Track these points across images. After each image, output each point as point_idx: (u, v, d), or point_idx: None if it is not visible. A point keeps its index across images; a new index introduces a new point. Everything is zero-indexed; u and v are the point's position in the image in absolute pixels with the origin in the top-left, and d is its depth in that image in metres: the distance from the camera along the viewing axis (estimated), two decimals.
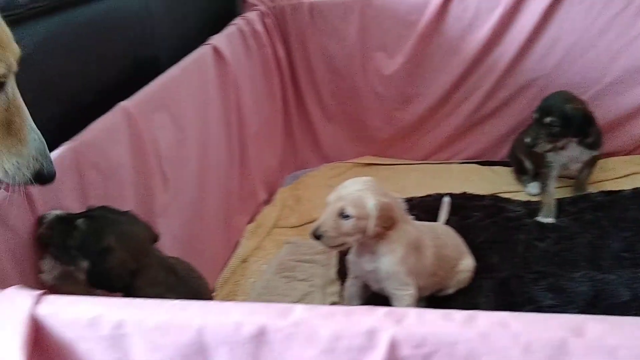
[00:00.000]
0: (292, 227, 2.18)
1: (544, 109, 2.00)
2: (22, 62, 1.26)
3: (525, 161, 2.27)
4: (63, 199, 1.19)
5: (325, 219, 1.43)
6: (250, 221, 2.16)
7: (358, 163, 2.53)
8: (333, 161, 2.54)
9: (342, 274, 1.81)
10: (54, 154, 1.20)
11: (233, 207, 2.02)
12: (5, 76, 0.93)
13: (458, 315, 0.71)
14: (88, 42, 1.47)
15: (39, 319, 0.77)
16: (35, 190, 1.11)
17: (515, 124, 2.41)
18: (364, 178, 1.48)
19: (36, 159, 0.99)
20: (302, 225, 2.19)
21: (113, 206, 1.29)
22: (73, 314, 0.77)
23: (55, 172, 1.04)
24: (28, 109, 1.27)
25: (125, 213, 1.22)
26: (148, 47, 1.76)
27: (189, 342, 0.74)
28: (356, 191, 1.43)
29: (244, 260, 1.99)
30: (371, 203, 1.41)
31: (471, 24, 2.28)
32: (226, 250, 1.97)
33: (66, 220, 1.13)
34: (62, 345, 0.78)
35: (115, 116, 1.39)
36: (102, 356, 0.78)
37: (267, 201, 2.29)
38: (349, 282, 1.64)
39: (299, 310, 0.72)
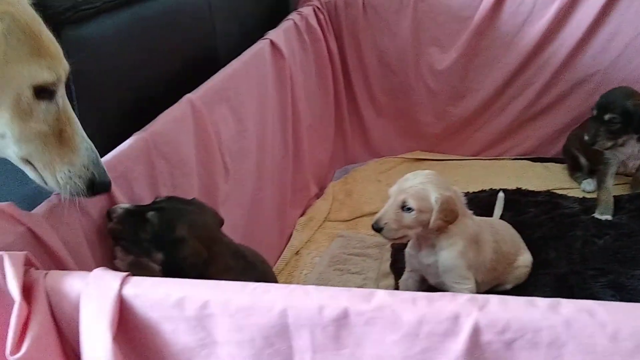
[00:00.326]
0: (343, 221, 2.20)
1: (604, 105, 1.96)
2: (100, 53, 1.32)
3: (580, 157, 2.24)
4: (136, 188, 1.22)
5: (387, 211, 1.43)
6: (302, 214, 2.18)
7: (408, 158, 2.52)
8: (382, 156, 2.55)
9: (396, 267, 1.82)
10: (126, 143, 1.24)
11: (287, 199, 2.04)
12: (54, 85, 0.95)
13: (542, 302, 0.71)
14: (155, 36, 1.51)
15: (125, 299, 0.81)
16: (111, 178, 1.15)
17: (569, 120, 2.37)
18: (426, 171, 1.48)
19: (88, 168, 1.00)
20: (353, 219, 2.21)
21: (180, 196, 1.33)
22: (159, 295, 0.79)
23: (109, 182, 1.05)
24: (101, 99, 1.33)
25: (192, 201, 1.23)
26: (209, 41, 1.79)
27: (272, 324, 0.76)
28: (419, 184, 1.43)
29: (297, 253, 2.02)
30: (433, 196, 1.41)
31: (527, 18, 2.26)
32: (280, 241, 2.00)
33: (136, 214, 1.13)
34: (147, 325, 0.81)
35: (182, 108, 1.42)
36: (186, 336, 0.80)
37: (318, 195, 2.31)
38: (406, 275, 1.64)
39: (382, 295, 0.74)
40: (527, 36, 2.28)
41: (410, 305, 0.72)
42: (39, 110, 0.94)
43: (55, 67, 0.95)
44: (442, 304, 0.72)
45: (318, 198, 2.29)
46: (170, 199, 1.20)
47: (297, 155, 2.11)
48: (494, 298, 0.73)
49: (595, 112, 1.98)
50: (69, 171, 0.98)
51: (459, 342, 0.72)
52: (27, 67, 0.91)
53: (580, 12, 2.22)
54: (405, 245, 1.78)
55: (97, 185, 1.02)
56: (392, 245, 1.91)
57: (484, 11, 2.28)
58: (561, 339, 0.70)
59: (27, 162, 0.98)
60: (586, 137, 1.98)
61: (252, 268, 1.20)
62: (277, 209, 1.96)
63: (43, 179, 0.99)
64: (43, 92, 0.94)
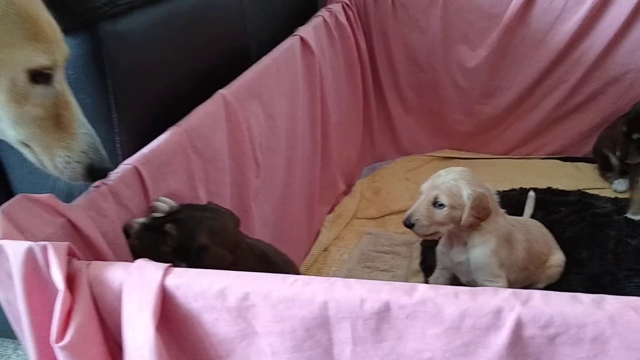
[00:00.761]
0: (371, 219, 2.20)
1: (632, 122, 1.99)
2: (135, 48, 1.33)
3: (611, 157, 2.22)
4: (172, 181, 1.23)
5: (418, 207, 1.43)
6: (330, 211, 2.19)
7: (436, 156, 2.51)
8: (411, 154, 2.54)
9: (426, 265, 1.82)
10: (163, 137, 1.25)
11: (315, 196, 2.05)
12: (50, 68, 0.96)
13: (586, 297, 0.71)
14: (187, 32, 1.52)
15: (167, 289, 0.81)
16: (146, 173, 1.16)
17: (600, 119, 2.35)
18: (459, 168, 1.47)
19: (86, 154, 1.00)
20: (381, 217, 2.21)
21: (213, 191, 1.34)
22: (201, 286, 0.80)
23: (108, 168, 1.05)
24: (136, 93, 1.34)
25: (207, 207, 1.20)
26: (240, 37, 1.80)
27: (312, 316, 0.77)
28: (451, 180, 1.42)
29: (325, 249, 2.02)
30: (466, 193, 1.40)
31: (559, 16, 2.24)
32: (308, 238, 2.01)
33: (153, 227, 1.10)
34: (188, 315, 0.82)
35: (215, 103, 1.43)
36: (227, 326, 0.81)
37: (346, 192, 2.31)
38: (436, 273, 1.64)
39: (424, 289, 0.74)
40: (558, 34, 2.26)
41: (453, 299, 0.72)
42: (35, 94, 0.95)
43: (52, 51, 0.95)
44: (485, 298, 0.72)
45: (346, 195, 2.30)
46: (185, 207, 1.18)
47: (326, 152, 2.11)
48: (536, 293, 0.72)
49: (625, 129, 1.98)
50: (67, 156, 0.99)
51: (501, 337, 0.71)
52: (21, 51, 0.91)
53: (613, 9, 2.19)
54: (435, 243, 1.78)
55: (95, 171, 1.02)
56: (422, 243, 1.91)
57: (514, 8, 2.26)
58: (605, 335, 0.69)
59: (26, 145, 0.99)
60: (618, 153, 2.04)
61: (275, 268, 1.19)
62: (305, 205, 1.97)
63: (42, 163, 1.00)
64: (39, 76, 0.94)
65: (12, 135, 0.97)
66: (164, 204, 1.17)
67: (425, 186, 1.46)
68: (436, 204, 1.42)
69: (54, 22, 0.98)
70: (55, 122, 0.98)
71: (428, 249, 1.87)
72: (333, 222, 2.14)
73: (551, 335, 0.70)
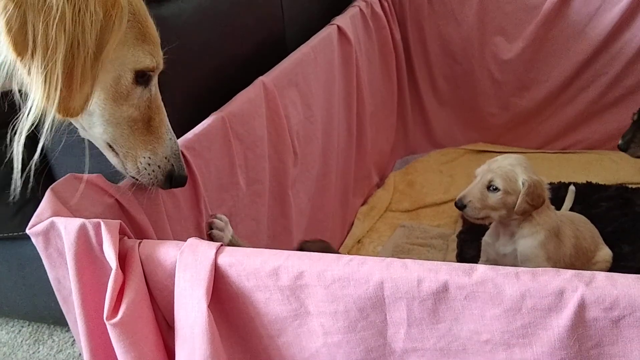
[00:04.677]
0: (404, 212, 2.18)
1: None
2: (179, 33, 1.33)
3: None
4: (212, 167, 1.24)
5: (472, 189, 1.43)
6: (363, 203, 2.17)
7: (470, 150, 2.48)
8: (444, 147, 2.51)
9: (462, 257, 1.80)
10: (206, 122, 1.25)
11: (349, 187, 2.04)
12: (153, 71, 0.97)
13: None
14: (227, 19, 1.52)
15: (220, 267, 0.81)
16: (191, 156, 1.17)
17: None
18: (516, 155, 1.47)
19: (169, 160, 1.01)
20: (415, 209, 2.19)
21: (251, 177, 1.34)
22: (254, 265, 0.80)
23: (186, 177, 1.06)
24: (178, 79, 1.34)
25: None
26: (277, 25, 1.79)
27: (368, 296, 0.76)
28: (507, 165, 1.42)
29: (359, 241, 2.01)
30: (521, 179, 1.39)
31: (599, 7, 2.19)
32: (342, 230, 2.00)
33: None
34: (240, 294, 0.82)
35: (256, 90, 1.43)
36: (279, 306, 0.80)
37: (379, 184, 2.30)
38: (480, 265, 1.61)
39: (484, 269, 0.72)
40: (598, 26, 2.21)
41: (514, 280, 0.71)
42: (134, 95, 0.95)
43: (156, 53, 0.96)
44: (546, 278, 0.70)
45: (379, 188, 2.28)
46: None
47: (360, 144, 2.10)
48: (600, 274, 0.70)
49: (636, 117, 1.90)
50: (150, 158, 0.99)
51: (563, 318, 0.70)
52: (133, 51, 0.92)
53: None
54: (472, 236, 1.76)
55: (175, 179, 1.03)
56: (458, 236, 1.89)
57: (553, 0, 2.22)
58: None
59: (109, 146, 0.99)
60: (620, 142, 1.87)
61: None
62: (340, 196, 1.96)
63: (123, 165, 1.00)
64: (141, 78, 0.95)
65: (99, 134, 0.96)
66: (221, 221, 1.19)
67: (480, 170, 1.45)
68: (490, 187, 1.41)
69: (155, 26, 0.99)
70: (145, 125, 0.98)
71: (465, 241, 1.85)
72: (366, 214, 2.13)
73: (615, 317, 0.68)
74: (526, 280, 0.70)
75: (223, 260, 0.81)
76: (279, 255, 0.80)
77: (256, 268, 0.79)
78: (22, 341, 1.74)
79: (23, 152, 0.86)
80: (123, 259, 0.84)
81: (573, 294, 0.69)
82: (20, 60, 0.80)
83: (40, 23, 0.77)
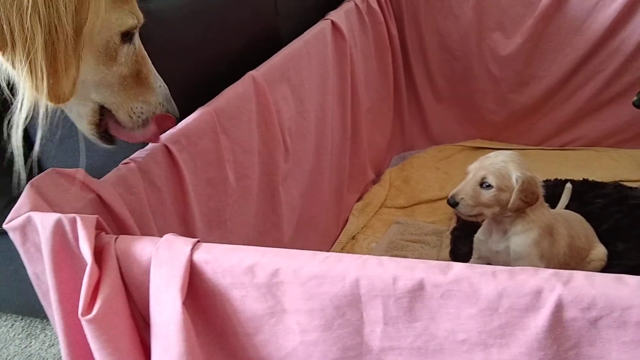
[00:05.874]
0: (400, 208, 2.17)
1: None
2: (167, 26, 1.32)
3: None
4: (199, 161, 1.23)
5: (464, 186, 1.41)
6: (359, 199, 2.16)
7: (468, 146, 2.46)
8: (441, 143, 2.49)
9: (456, 254, 1.78)
10: (192, 117, 1.24)
11: (344, 183, 2.02)
12: (135, 27, 0.98)
13: (631, 279, 0.67)
14: (219, 13, 1.51)
15: (196, 264, 0.80)
16: (176, 150, 1.16)
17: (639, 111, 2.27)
18: (509, 151, 1.45)
19: (162, 105, 1.04)
20: (411, 206, 2.17)
21: (240, 172, 1.32)
22: (230, 262, 0.78)
23: (178, 116, 1.08)
24: (166, 72, 1.33)
25: None
26: (270, 19, 1.78)
27: (344, 293, 0.75)
28: (500, 162, 1.40)
29: (353, 237, 2.00)
30: (515, 175, 1.38)
31: (597, 3, 2.17)
32: (337, 226, 1.98)
33: None
34: (216, 291, 0.80)
35: (245, 85, 1.41)
36: (255, 303, 0.79)
37: (375, 181, 2.28)
38: (473, 262, 1.60)
39: (460, 268, 0.71)
40: (596, 21, 2.19)
41: (490, 279, 0.69)
42: (122, 54, 0.97)
43: (135, 10, 0.97)
44: (524, 277, 0.69)
45: (375, 184, 2.27)
46: None
47: (355, 140, 2.09)
48: (579, 274, 0.69)
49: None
50: (143, 108, 1.01)
51: (541, 318, 0.68)
52: (115, 15, 0.93)
53: None
54: (466, 232, 1.75)
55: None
56: (452, 232, 1.87)
57: None
58: None
59: (99, 109, 0.99)
60: (635, 98, 1.88)
61: None
62: (334, 192, 1.95)
63: (99, 129, 1.01)
64: (126, 36, 0.97)
65: (92, 98, 0.98)
66: None
67: (473, 167, 1.44)
68: (483, 184, 1.40)
69: None
70: (135, 78, 1.01)
71: (458, 238, 1.83)
72: (362, 210, 2.11)
73: (593, 317, 0.67)
74: (503, 280, 0.69)
75: (199, 257, 0.80)
76: (255, 252, 0.79)
77: (232, 265, 0.78)
78: (14, 335, 1.74)
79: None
80: (99, 254, 0.83)
81: (550, 293, 0.68)
82: (2, 55, 0.81)
83: (14, 15, 0.78)
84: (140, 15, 0.99)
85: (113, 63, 0.95)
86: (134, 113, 1.01)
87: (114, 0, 0.93)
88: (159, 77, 1.05)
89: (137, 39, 1.01)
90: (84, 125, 1.01)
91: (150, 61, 1.04)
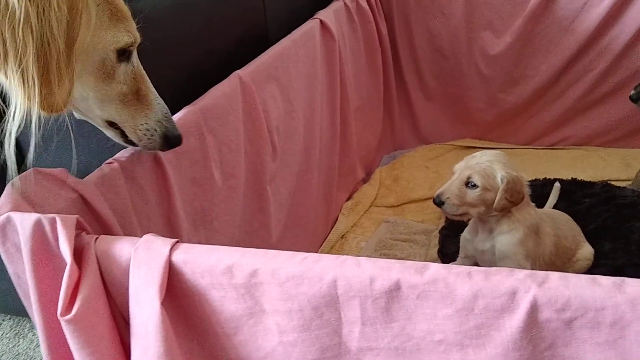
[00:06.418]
0: (389, 207, 2.17)
1: None
2: (154, 26, 1.31)
3: None
4: (185, 160, 1.22)
5: (450, 185, 1.41)
6: (348, 198, 2.16)
7: (458, 145, 2.47)
8: (431, 142, 2.50)
9: (444, 253, 1.79)
10: (177, 116, 1.24)
11: (333, 182, 2.03)
12: (132, 46, 1.00)
13: (605, 280, 0.68)
14: (206, 12, 1.51)
15: (174, 264, 0.80)
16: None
17: (628, 110, 2.26)
18: (495, 151, 1.46)
19: (162, 122, 1.06)
20: (400, 205, 2.18)
21: (226, 172, 1.32)
22: (208, 262, 0.79)
23: (181, 136, 1.10)
24: (152, 72, 1.33)
25: None
26: (258, 18, 1.77)
27: (321, 294, 0.75)
28: (486, 162, 1.40)
29: (343, 236, 2.00)
30: (500, 175, 1.38)
31: (586, 2, 2.17)
32: (326, 225, 1.99)
33: None
34: (195, 291, 0.81)
35: (231, 84, 1.41)
36: (234, 304, 0.79)
37: (365, 180, 2.29)
38: (459, 261, 1.61)
39: (436, 268, 0.71)
40: (586, 21, 2.20)
41: (466, 279, 0.70)
42: (120, 72, 0.99)
43: (132, 28, 0.99)
44: (499, 278, 0.69)
45: (364, 183, 2.27)
46: None
47: (345, 139, 2.09)
48: (554, 275, 0.69)
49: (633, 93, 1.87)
50: (147, 124, 1.04)
51: (516, 319, 0.69)
52: (110, 32, 0.95)
53: None
54: (454, 231, 1.75)
55: (170, 139, 1.08)
56: (441, 232, 1.88)
57: None
58: (625, 319, 0.66)
59: (111, 124, 1.03)
60: (632, 92, 1.84)
61: None
62: (323, 191, 1.95)
63: (126, 137, 1.05)
64: (122, 55, 0.99)
65: (99, 115, 1.01)
66: None
67: (458, 166, 1.44)
68: (469, 184, 1.40)
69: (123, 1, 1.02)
70: (135, 96, 1.03)
71: (447, 237, 1.84)
72: (351, 209, 2.12)
73: (568, 318, 0.68)
74: (478, 280, 0.69)
75: (177, 258, 0.80)
76: (234, 252, 0.79)
77: (210, 265, 0.78)
78: (2, 334, 1.73)
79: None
80: (80, 254, 0.83)
81: (525, 294, 0.68)
82: None
83: (6, 27, 0.79)
84: (137, 34, 1.01)
85: (111, 80, 0.98)
86: (139, 130, 1.04)
87: (110, 18, 0.95)
88: (158, 96, 1.07)
89: (135, 58, 1.02)
90: (111, 134, 1.06)
91: (148, 79, 1.06)
